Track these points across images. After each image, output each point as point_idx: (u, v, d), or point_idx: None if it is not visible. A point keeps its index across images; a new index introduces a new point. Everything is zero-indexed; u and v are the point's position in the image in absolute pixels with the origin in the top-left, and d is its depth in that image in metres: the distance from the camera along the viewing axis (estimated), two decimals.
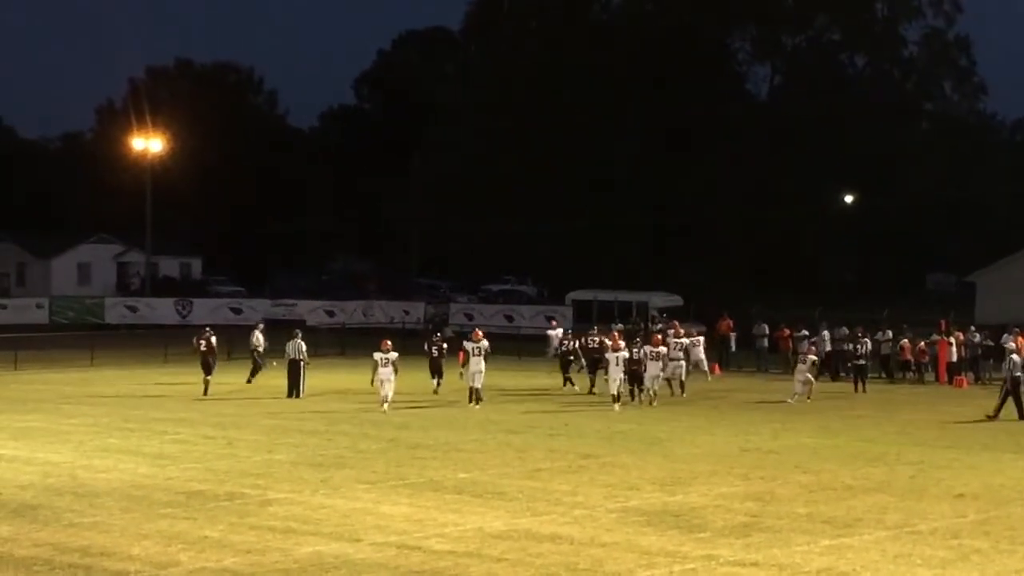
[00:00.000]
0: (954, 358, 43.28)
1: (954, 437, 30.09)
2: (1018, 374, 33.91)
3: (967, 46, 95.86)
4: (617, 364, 35.17)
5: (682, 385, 38.56)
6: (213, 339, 39.71)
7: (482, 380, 35.64)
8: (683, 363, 39.02)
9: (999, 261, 68.84)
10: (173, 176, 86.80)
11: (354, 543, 18.58)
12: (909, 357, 44.40)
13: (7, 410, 34.26)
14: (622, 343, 36.37)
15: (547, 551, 18.12)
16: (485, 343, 36.29)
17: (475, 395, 35.46)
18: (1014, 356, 34.29)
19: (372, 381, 34.08)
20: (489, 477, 23.95)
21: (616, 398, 34.88)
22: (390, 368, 33.75)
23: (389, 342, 34.53)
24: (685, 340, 40.27)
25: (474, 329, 40.08)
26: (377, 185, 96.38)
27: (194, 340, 40.02)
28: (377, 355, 33.95)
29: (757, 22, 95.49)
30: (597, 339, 40.41)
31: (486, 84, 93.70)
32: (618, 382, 35.12)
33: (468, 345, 36.53)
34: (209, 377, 38.61)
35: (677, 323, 44.92)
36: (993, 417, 33.19)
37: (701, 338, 42.32)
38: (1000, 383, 41.66)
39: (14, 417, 32.73)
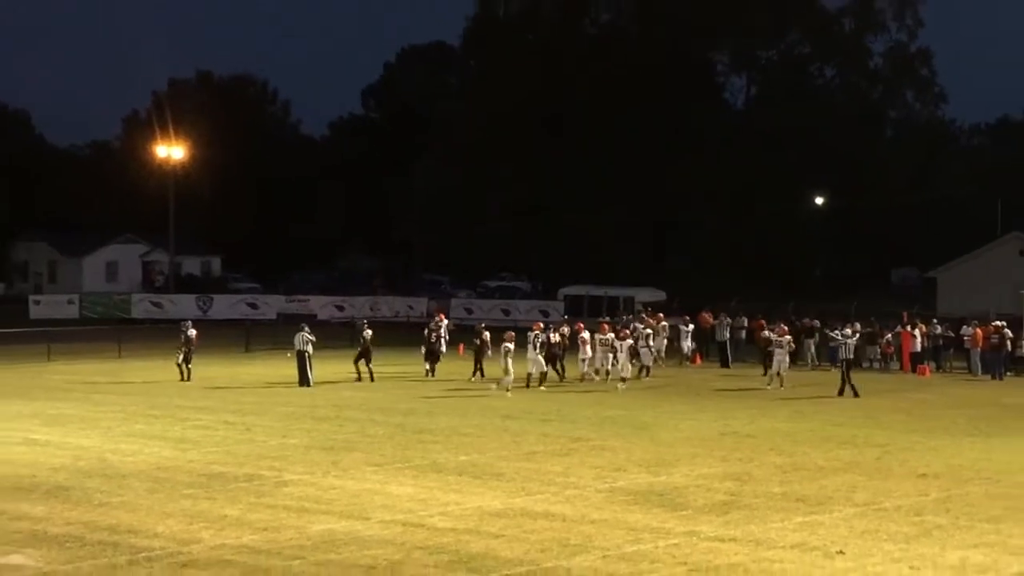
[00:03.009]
0: (918, 348, 43.26)
1: (917, 422, 30.12)
2: (851, 357, 36.21)
3: (928, 58, 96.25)
4: (622, 351, 37.38)
5: (643, 370, 39.79)
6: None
7: (539, 367, 36.67)
8: (650, 352, 40.64)
9: (958, 258, 68.81)
10: (194, 181, 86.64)
11: (363, 521, 18.61)
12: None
13: (41, 398, 34.26)
14: (625, 332, 38.77)
15: (541, 528, 18.16)
16: (541, 336, 37.25)
17: (541, 378, 36.66)
18: (848, 341, 36.12)
19: (503, 369, 35.44)
20: (487, 459, 23.98)
21: (626, 378, 37.25)
22: (510, 360, 35.23)
23: (512, 333, 36.63)
24: (649, 331, 41.59)
25: (535, 322, 40.68)
26: (384, 189, 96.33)
27: (188, 332, 39.65)
28: (503, 345, 35.70)
29: (738, 37, 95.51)
30: (558, 331, 40.51)
31: (485, 96, 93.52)
32: (626, 365, 37.52)
33: (529, 335, 37.57)
34: (190, 366, 38.86)
35: (660, 316, 45.22)
36: (841, 394, 34.90)
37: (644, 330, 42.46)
38: (961, 371, 41.90)
39: (47, 405, 32.73)
